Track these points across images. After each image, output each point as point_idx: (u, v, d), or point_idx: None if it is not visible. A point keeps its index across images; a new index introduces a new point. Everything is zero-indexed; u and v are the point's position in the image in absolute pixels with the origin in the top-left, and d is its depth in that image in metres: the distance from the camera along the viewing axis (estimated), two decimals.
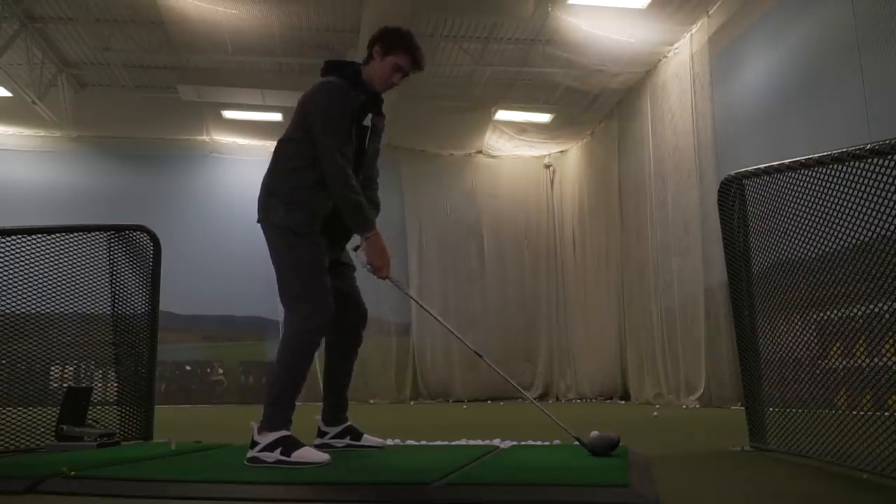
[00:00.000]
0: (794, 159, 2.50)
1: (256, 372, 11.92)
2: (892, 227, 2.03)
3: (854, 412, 2.35)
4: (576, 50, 9.07)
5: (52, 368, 3.94)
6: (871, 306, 2.21)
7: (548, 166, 12.97)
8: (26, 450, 3.29)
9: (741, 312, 3.08)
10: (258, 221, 2.93)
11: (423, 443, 3.52)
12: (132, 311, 3.84)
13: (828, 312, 2.55)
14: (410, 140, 11.85)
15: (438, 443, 3.51)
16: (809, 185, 2.45)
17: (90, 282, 3.66)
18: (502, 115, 11.47)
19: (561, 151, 12.72)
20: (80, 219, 3.92)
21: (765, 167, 2.77)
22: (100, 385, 3.86)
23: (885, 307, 2.15)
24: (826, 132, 6.06)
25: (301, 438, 2.67)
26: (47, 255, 3.47)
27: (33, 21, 9.33)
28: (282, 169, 2.92)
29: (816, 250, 2.47)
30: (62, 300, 3.53)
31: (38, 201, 11.04)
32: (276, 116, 10.82)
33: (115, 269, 3.77)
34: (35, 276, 3.41)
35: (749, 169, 2.92)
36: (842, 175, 2.26)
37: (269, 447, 2.59)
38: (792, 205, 2.60)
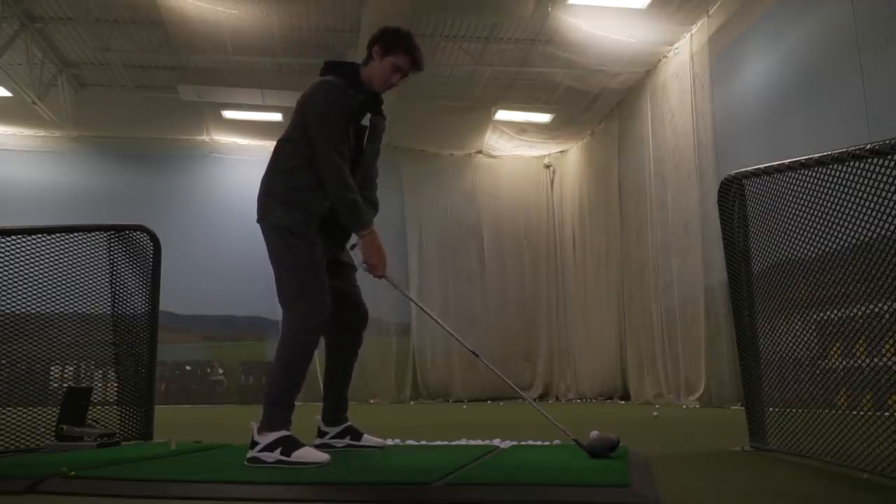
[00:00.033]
0: (794, 159, 2.50)
1: (256, 372, 11.92)
2: (892, 227, 2.03)
3: (854, 412, 2.35)
4: (576, 50, 9.07)
5: (52, 368, 3.94)
6: (871, 306, 2.21)
7: (548, 166, 12.97)
8: (26, 450, 3.29)
9: (741, 312, 3.08)
10: (257, 221, 2.93)
11: (423, 443, 3.51)
12: (132, 311, 3.84)
13: (828, 312, 2.55)
14: (410, 140, 11.85)
15: (438, 443, 3.51)
16: (809, 185, 2.45)
17: (90, 282, 3.66)
18: (502, 115, 11.47)
19: (561, 151, 12.72)
20: (80, 219, 3.92)
21: (765, 167, 2.77)
22: (100, 385, 3.86)
23: (885, 307, 2.15)
24: (826, 132, 6.06)
25: (301, 438, 2.67)
26: (47, 255, 3.46)
27: (33, 21, 9.33)
28: (280, 169, 2.92)
29: (816, 250, 2.47)
30: (62, 300, 3.52)
31: (38, 201, 11.04)
32: (276, 116, 10.82)
33: (115, 269, 3.77)
34: (35, 276, 3.41)
35: (749, 169, 2.92)
36: (842, 175, 2.26)
37: (269, 447, 2.59)
38: (792, 205, 2.60)
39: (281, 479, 2.28)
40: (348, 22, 9.18)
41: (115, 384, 3.87)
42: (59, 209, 10.14)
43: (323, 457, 2.57)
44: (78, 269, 3.60)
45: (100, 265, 3.70)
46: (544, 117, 11.57)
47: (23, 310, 3.38)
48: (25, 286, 3.37)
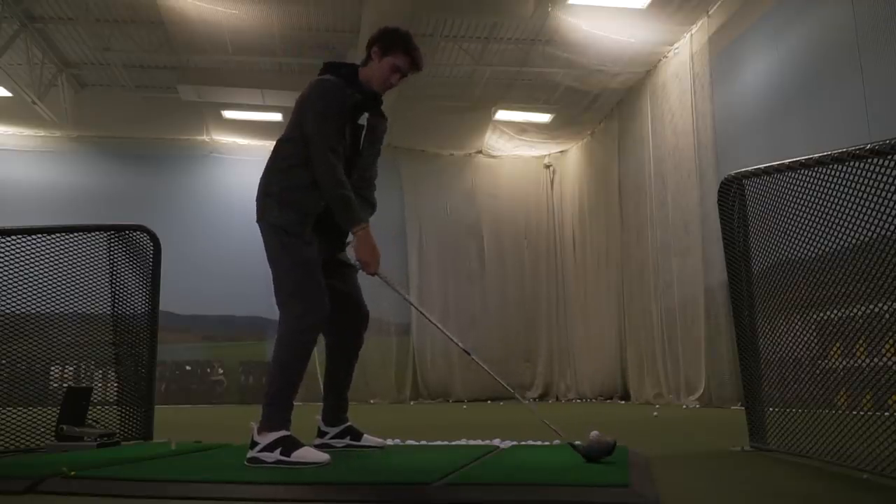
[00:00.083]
0: (794, 159, 2.50)
1: (256, 372, 11.91)
2: (892, 227, 2.03)
3: (854, 412, 2.35)
4: (576, 50, 9.07)
5: (52, 368, 3.94)
6: (871, 306, 2.21)
7: (548, 166, 12.97)
8: (26, 450, 3.29)
9: (741, 312, 3.08)
10: (257, 221, 2.94)
11: (423, 443, 3.51)
12: (132, 311, 3.84)
13: (828, 312, 2.55)
14: (410, 140, 11.85)
15: (438, 443, 3.51)
16: (809, 185, 2.45)
17: (90, 282, 3.66)
18: (502, 115, 11.47)
19: (561, 151, 12.72)
20: (80, 219, 3.92)
21: (765, 167, 2.77)
22: (100, 385, 3.85)
23: (885, 307, 2.15)
24: (826, 132, 6.06)
25: (301, 438, 2.67)
26: (47, 255, 3.46)
27: (33, 21, 9.33)
28: (277, 168, 2.93)
29: (816, 250, 2.47)
30: (62, 300, 3.52)
31: (38, 201, 11.04)
32: (276, 116, 10.82)
33: (115, 269, 3.77)
34: (35, 276, 3.41)
35: (749, 169, 2.92)
36: (842, 175, 2.26)
37: (269, 447, 2.58)
38: (792, 205, 2.59)
39: (281, 479, 2.28)
40: (348, 22, 9.18)
41: (115, 384, 3.87)
42: (59, 209, 10.14)
43: (323, 457, 2.57)
44: (78, 269, 3.60)
45: (100, 265, 3.70)
46: (544, 117, 11.57)
47: (23, 310, 3.38)
48: (25, 286, 3.37)
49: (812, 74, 6.61)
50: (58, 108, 10.77)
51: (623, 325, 10.59)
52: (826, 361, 2.68)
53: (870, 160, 2.08)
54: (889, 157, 2.01)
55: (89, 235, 3.68)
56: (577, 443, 2.64)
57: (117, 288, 3.78)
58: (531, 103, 11.13)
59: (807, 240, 2.52)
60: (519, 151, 12.60)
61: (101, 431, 3.52)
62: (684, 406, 8.00)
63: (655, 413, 6.61)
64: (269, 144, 3.13)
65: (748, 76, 7.70)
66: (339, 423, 3.17)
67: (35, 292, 3.41)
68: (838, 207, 2.29)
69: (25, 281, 3.37)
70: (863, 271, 2.24)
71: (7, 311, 3.33)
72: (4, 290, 3.29)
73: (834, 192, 2.32)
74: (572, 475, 2.21)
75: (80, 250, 3.60)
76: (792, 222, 2.60)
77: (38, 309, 3.44)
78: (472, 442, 3.42)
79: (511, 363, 11.68)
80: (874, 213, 2.10)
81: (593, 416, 6.58)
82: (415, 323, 11.91)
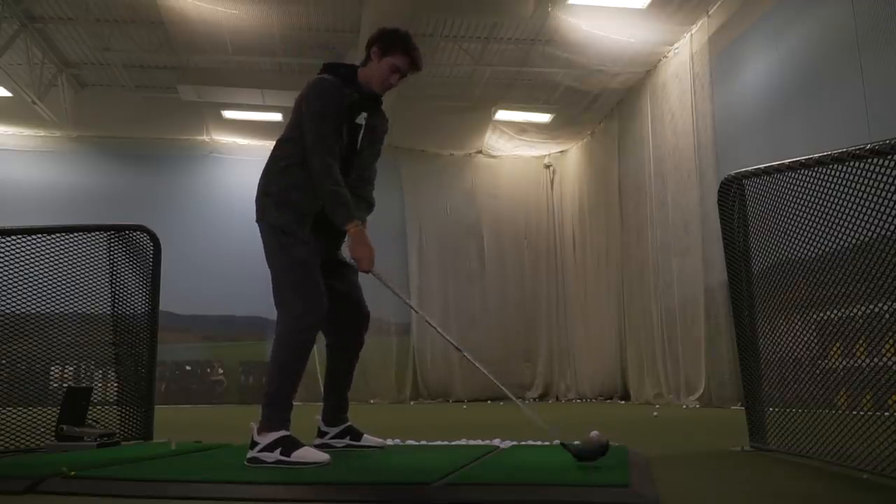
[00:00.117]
0: (794, 159, 2.50)
1: (256, 372, 11.91)
2: (892, 227, 2.03)
3: (854, 412, 2.35)
4: (576, 50, 9.07)
5: (52, 368, 3.94)
6: (871, 306, 2.21)
7: (548, 166, 12.97)
8: (26, 450, 3.29)
9: (741, 312, 3.08)
10: (256, 221, 2.94)
11: (423, 443, 3.51)
12: (132, 311, 3.84)
13: (828, 312, 2.55)
14: (410, 140, 11.85)
15: (438, 443, 3.51)
16: (809, 185, 2.45)
17: (90, 282, 3.66)
18: (502, 115, 11.47)
19: (561, 151, 12.72)
20: (80, 219, 3.92)
21: (765, 167, 2.77)
22: (100, 385, 3.85)
23: (885, 307, 2.15)
24: (826, 132, 6.06)
25: (301, 438, 2.67)
26: (47, 255, 3.46)
27: (33, 21, 9.33)
28: (276, 168, 2.94)
29: (816, 250, 2.47)
30: (62, 300, 3.52)
31: (38, 201, 11.04)
32: (276, 116, 10.82)
33: (115, 269, 3.77)
34: (35, 276, 3.41)
35: (749, 169, 2.92)
36: (842, 175, 2.26)
37: (269, 447, 2.59)
38: (792, 205, 2.59)
39: (281, 479, 2.28)
40: (348, 22, 9.18)
41: (115, 384, 3.87)
42: (59, 209, 10.14)
43: (323, 457, 2.57)
44: (78, 269, 3.60)
45: (100, 265, 3.70)
46: (544, 117, 11.57)
47: (23, 310, 3.38)
48: (25, 286, 3.37)
49: (812, 74, 6.61)
50: (58, 108, 10.77)
51: (623, 325, 10.58)
52: (826, 361, 2.68)
53: (870, 160, 2.08)
54: (889, 157, 2.01)
55: (89, 235, 3.68)
56: (576, 442, 2.63)
57: (117, 288, 3.78)
58: (531, 103, 11.13)
59: (807, 240, 2.52)
60: (519, 151, 12.60)
61: (101, 431, 3.52)
62: (684, 406, 8.00)
63: (655, 413, 6.61)
64: (268, 144, 3.13)
65: (748, 76, 7.70)
66: (339, 423, 3.17)
67: (35, 292, 3.41)
68: (838, 207, 2.29)
69: (25, 281, 3.37)
70: (863, 271, 2.24)
71: (7, 311, 3.33)
72: (4, 290, 3.29)
73: (834, 192, 2.32)
74: (572, 475, 2.21)
75: (80, 250, 3.61)
76: (792, 222, 2.60)
77: (38, 309, 3.44)
78: (472, 442, 3.42)
79: (511, 363, 11.68)
80: (874, 213, 2.10)
81: (593, 417, 6.58)
82: (415, 323, 11.91)
